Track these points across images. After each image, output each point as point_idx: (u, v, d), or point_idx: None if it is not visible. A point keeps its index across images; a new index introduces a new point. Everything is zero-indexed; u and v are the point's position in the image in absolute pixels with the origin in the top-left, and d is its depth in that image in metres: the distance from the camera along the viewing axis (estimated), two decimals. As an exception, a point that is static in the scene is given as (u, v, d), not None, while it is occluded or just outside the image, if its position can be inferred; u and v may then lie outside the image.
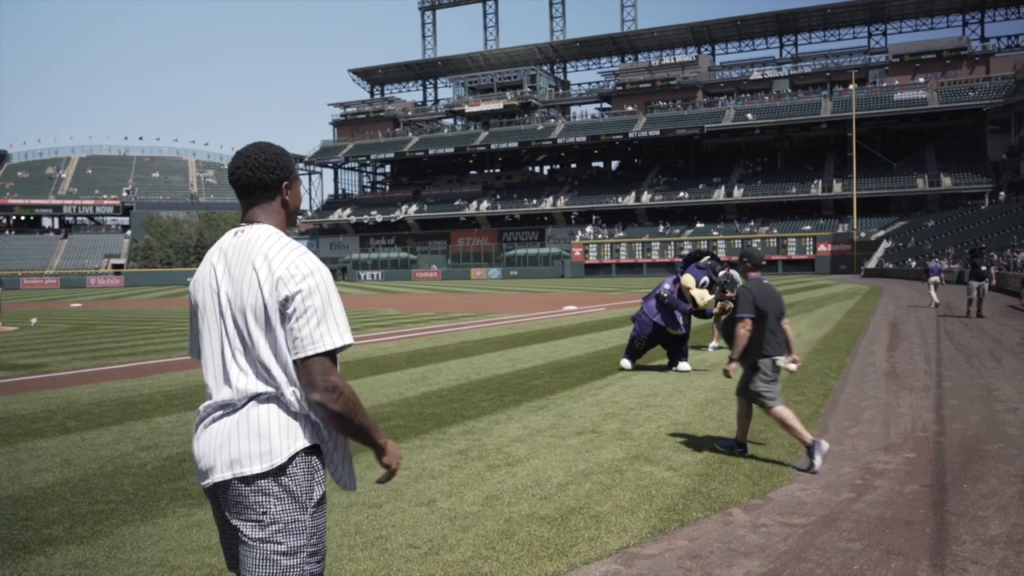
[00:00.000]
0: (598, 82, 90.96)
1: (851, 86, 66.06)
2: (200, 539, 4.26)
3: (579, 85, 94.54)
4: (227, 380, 2.18)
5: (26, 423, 7.59)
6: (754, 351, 5.85)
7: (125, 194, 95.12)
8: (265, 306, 2.12)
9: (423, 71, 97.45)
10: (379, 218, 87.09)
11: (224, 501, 2.18)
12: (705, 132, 74.77)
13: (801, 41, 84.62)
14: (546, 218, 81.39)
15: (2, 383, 10.53)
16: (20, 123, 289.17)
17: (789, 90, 77.46)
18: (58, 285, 74.06)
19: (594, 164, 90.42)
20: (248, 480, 2.11)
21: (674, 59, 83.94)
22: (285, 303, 2.11)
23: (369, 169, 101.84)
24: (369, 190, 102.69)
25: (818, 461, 5.47)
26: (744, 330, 5.80)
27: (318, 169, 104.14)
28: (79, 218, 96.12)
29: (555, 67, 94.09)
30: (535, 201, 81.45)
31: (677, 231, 70.96)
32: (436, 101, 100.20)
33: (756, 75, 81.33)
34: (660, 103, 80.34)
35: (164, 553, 4.06)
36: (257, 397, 2.14)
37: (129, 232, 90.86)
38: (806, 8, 78.39)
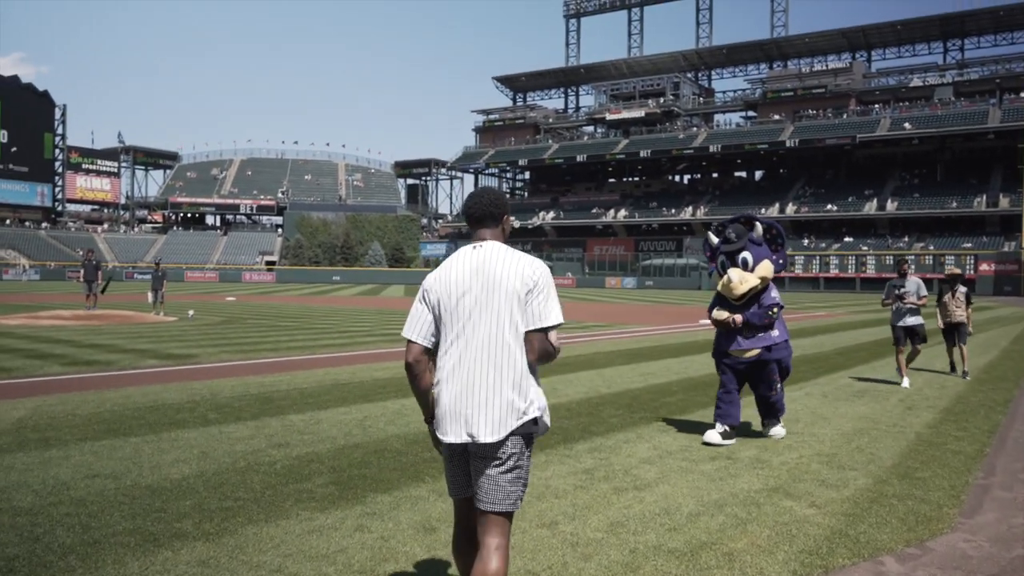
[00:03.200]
0: (744, 90, 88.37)
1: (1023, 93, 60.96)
2: (319, 546, 4.23)
3: (724, 93, 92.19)
4: (480, 353, 2.98)
5: (172, 412, 7.96)
6: None
7: (280, 195, 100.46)
8: (516, 295, 2.99)
9: (565, 78, 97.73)
10: (516, 224, 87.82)
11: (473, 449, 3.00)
12: (857, 142, 71.05)
13: (968, 46, 79.11)
14: (684, 228, 79.65)
15: (157, 372, 11.16)
16: (190, 126, 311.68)
17: (952, 98, 72.41)
18: (217, 279, 78.91)
19: (736, 174, 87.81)
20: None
21: (826, 65, 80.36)
22: (530, 292, 2.99)
23: (509, 175, 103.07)
24: (509, 196, 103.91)
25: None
26: None
27: (459, 175, 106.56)
28: (238, 216, 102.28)
29: (699, 74, 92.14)
30: (674, 211, 79.91)
31: (823, 245, 67.74)
32: (577, 108, 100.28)
33: (916, 82, 76.58)
34: (809, 111, 77.03)
35: (283, 558, 4.05)
36: (501, 365, 2.97)
37: (282, 231, 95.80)
38: (975, 11, 73.17)
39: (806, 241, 69.36)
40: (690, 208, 79.15)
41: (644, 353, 14.68)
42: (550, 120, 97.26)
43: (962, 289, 12.18)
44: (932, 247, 62.69)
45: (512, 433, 2.94)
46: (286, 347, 14.85)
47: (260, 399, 8.91)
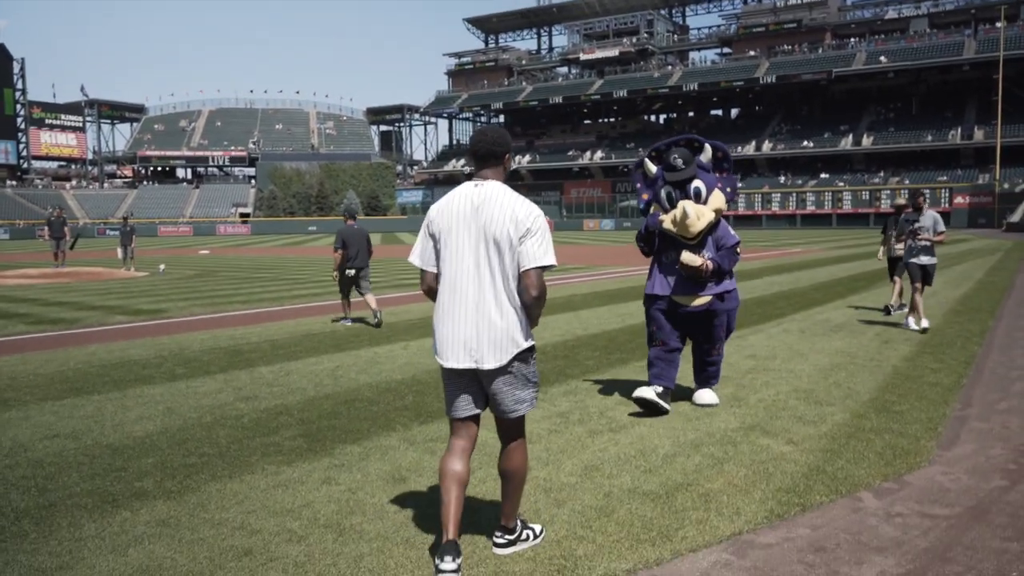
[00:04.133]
0: (719, 26, 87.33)
1: (999, 23, 60.61)
2: (284, 500, 4.10)
3: (698, 30, 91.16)
4: (478, 286, 3.25)
5: (138, 369, 7.76)
6: None
7: (251, 146, 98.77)
8: (510, 237, 3.20)
9: (538, 19, 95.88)
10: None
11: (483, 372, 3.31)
12: (833, 77, 70.53)
13: (944, -25, 78.22)
14: (661, 168, 79.30)
15: (124, 328, 10.91)
16: (156, 77, 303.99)
17: (928, 30, 71.91)
18: (191, 233, 77.84)
19: (712, 112, 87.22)
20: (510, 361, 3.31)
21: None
22: (524, 234, 3.21)
23: (483, 119, 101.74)
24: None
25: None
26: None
27: (433, 120, 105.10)
28: (210, 169, 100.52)
29: (673, 12, 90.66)
30: (650, 151, 79.44)
31: (800, 182, 67.78)
32: (551, 49, 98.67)
33: (891, 14, 75.92)
34: (785, 47, 76.23)
35: (246, 515, 3.91)
36: (498, 300, 3.25)
37: (255, 182, 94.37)
38: (952, -61, 72.25)
39: (782, 178, 69.38)
40: (666, 148, 78.64)
41: (621, 294, 14.59)
42: (523, 62, 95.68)
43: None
44: (908, 181, 62.86)
45: (513, 359, 3.29)
46: (258, 299, 14.60)
47: (229, 352, 8.72)
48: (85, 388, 6.86)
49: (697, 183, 5.89)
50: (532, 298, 3.25)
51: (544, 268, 3.25)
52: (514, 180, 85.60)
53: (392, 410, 6.02)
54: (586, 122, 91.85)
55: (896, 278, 11.56)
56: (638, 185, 6.26)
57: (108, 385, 6.99)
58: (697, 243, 5.86)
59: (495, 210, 3.24)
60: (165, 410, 6.07)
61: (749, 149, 73.56)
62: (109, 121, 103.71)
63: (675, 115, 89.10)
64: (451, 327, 3.29)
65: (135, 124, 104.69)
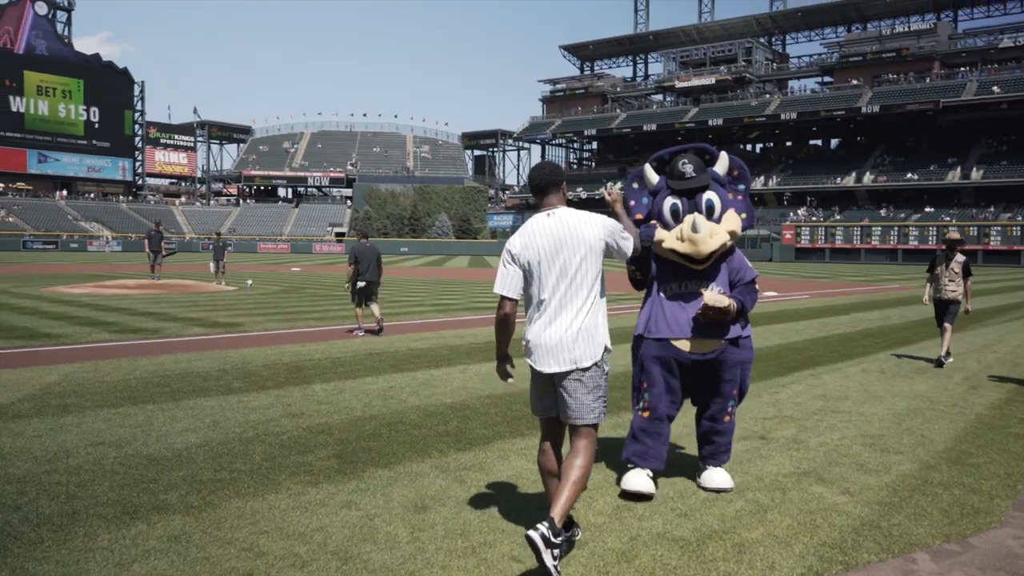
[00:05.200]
0: (820, 54, 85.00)
1: None
2: (300, 523, 4.01)
3: (799, 58, 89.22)
4: (567, 306, 3.70)
5: (198, 381, 7.90)
6: None
7: (350, 167, 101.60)
8: (597, 245, 3.75)
9: (634, 46, 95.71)
10: (584, 195, 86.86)
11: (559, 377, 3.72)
12: (941, 107, 67.59)
13: (1067, 2, 74.21)
14: (756, 198, 77.47)
15: (199, 340, 11.20)
16: (263, 101, 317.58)
17: (1048, 59, 68.21)
18: (288, 250, 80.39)
19: (811, 142, 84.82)
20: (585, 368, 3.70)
21: (908, 27, 76.60)
22: (612, 232, 3.81)
23: (576, 145, 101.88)
24: (576, 166, 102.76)
25: None
26: None
27: (526, 145, 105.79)
28: (309, 189, 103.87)
29: (773, 39, 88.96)
30: (744, 180, 77.74)
31: (902, 215, 64.98)
32: (646, 76, 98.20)
33: (1007, 43, 72.30)
34: (889, 76, 73.62)
35: (258, 535, 3.84)
36: (591, 306, 3.74)
37: (351, 203, 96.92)
38: (1076, -36, 68.49)
39: (883, 211, 66.67)
40: (761, 178, 76.88)
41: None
42: (618, 89, 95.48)
43: (959, 259, 10.16)
44: (1020, 217, 59.47)
45: (599, 360, 3.71)
46: (333, 316, 14.81)
47: (290, 368, 8.80)
48: (142, 398, 7.01)
49: (710, 195, 4.80)
50: (636, 250, 3.99)
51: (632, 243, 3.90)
52: (605, 207, 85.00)
53: (433, 435, 5.90)
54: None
55: (946, 324, 10.12)
56: (631, 203, 5.00)
57: (165, 396, 7.12)
58: (707, 271, 4.78)
59: (579, 226, 3.75)
60: (211, 423, 6.12)
61: (849, 180, 71.12)
62: (218, 141, 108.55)
63: (772, 144, 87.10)
64: (553, 336, 3.70)
65: (242, 145, 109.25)
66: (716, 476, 4.79)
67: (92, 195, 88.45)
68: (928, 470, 5.18)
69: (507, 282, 3.75)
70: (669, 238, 4.73)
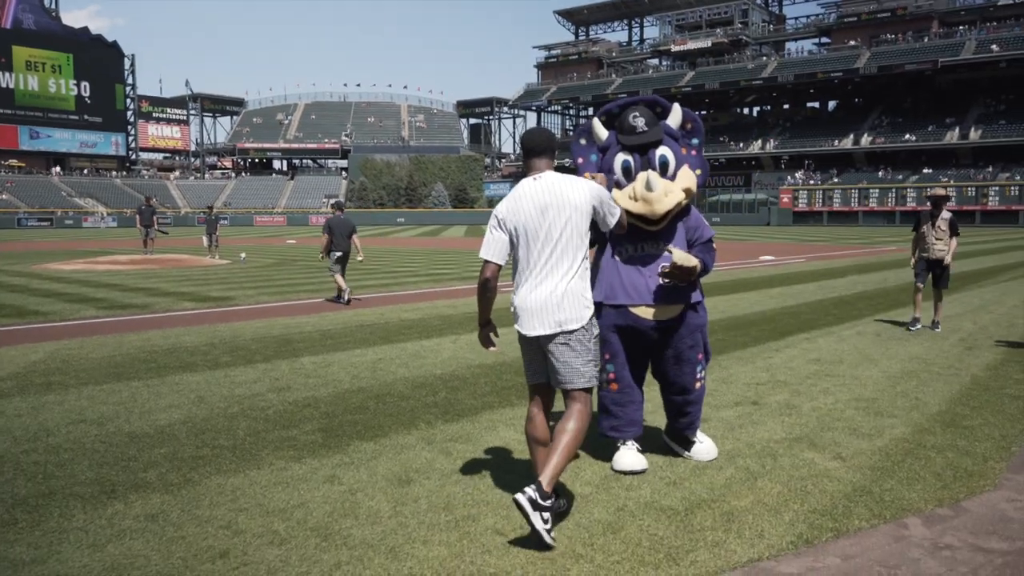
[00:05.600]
0: (817, 15, 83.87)
1: None
2: (280, 499, 3.93)
3: (796, 19, 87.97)
4: (553, 270, 3.66)
5: (185, 356, 7.80)
6: None
7: (344, 138, 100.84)
8: (585, 209, 3.70)
9: (629, 10, 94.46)
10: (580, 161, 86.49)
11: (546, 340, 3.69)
12: (939, 67, 66.80)
13: (1067, -43, 73.09)
14: (753, 162, 77.03)
15: (189, 315, 11.10)
16: (256, 72, 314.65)
17: (1048, 15, 67.36)
18: (285, 223, 79.97)
19: (809, 105, 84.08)
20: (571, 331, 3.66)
21: (907, -15, 75.60)
22: (600, 199, 3.77)
23: (572, 111, 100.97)
24: (572, 133, 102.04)
25: None
26: None
27: (522, 113, 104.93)
28: (304, 161, 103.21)
29: (769, 1, 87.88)
30: (741, 144, 77.24)
31: (900, 177, 64.61)
32: (642, 41, 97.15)
33: (1006, 0, 71.43)
34: (888, 36, 72.78)
35: (236, 512, 3.76)
36: (576, 269, 3.69)
37: (346, 174, 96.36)
38: (1076, -82, 67.41)
39: (881, 173, 66.31)
40: (759, 141, 76.38)
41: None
42: (613, 54, 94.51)
43: (945, 215, 9.57)
44: (1019, 177, 59.16)
45: (586, 323, 3.66)
46: (328, 288, 14.69)
47: (280, 341, 8.71)
48: (127, 374, 6.92)
49: (664, 150, 4.50)
50: (623, 229, 3.99)
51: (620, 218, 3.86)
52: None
53: (421, 407, 5.81)
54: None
55: (941, 289, 9.76)
56: (579, 160, 4.78)
57: (151, 371, 7.03)
58: (663, 231, 4.49)
59: (567, 191, 3.68)
60: (196, 399, 6.03)
61: (847, 143, 70.65)
62: (211, 114, 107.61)
63: (769, 107, 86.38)
64: (539, 298, 3.66)
65: (235, 117, 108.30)
66: (703, 449, 4.65)
67: (86, 171, 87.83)
68: (921, 433, 5.10)
69: (493, 247, 3.73)
70: (621, 197, 4.38)
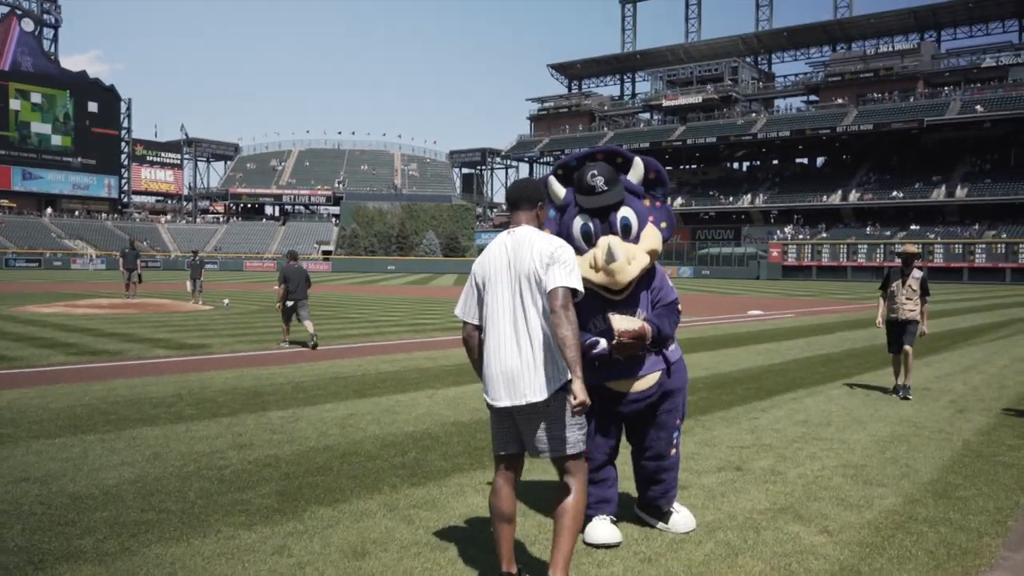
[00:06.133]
0: (806, 73, 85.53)
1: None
2: (220, 572, 3.63)
3: (784, 77, 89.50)
4: (514, 326, 3.41)
5: (148, 408, 7.49)
6: None
7: (337, 185, 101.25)
8: (537, 271, 3.37)
9: (621, 65, 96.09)
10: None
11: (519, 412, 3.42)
12: (925, 126, 67.93)
13: (1048, 23, 74.96)
14: (743, 216, 77.60)
15: (160, 363, 10.78)
16: (251, 119, 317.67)
17: (1030, 78, 68.72)
18: (275, 268, 79.71)
19: (797, 161, 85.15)
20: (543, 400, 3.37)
21: (892, 47, 77.19)
22: (549, 263, 3.35)
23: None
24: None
25: None
26: None
27: (514, 163, 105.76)
28: (296, 207, 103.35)
29: (759, 59, 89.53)
30: (731, 199, 77.92)
31: (888, 233, 65.10)
32: (634, 95, 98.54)
33: (989, 62, 72.95)
34: (874, 95, 74.09)
35: (170, 588, 3.46)
36: (532, 336, 3.39)
37: (338, 221, 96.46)
38: (1056, -15, 69.26)
39: (869, 229, 66.81)
40: (748, 196, 77.06)
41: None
42: (605, 108, 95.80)
43: (916, 275, 9.03)
44: (1005, 235, 59.65)
45: (556, 391, 3.34)
46: (303, 336, 14.39)
47: (249, 393, 8.40)
48: (84, 427, 6.61)
49: (626, 211, 4.18)
50: (557, 315, 3.26)
51: (569, 289, 3.32)
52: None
53: (388, 467, 5.52)
54: (667, 168, 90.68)
55: (907, 347, 8.92)
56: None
57: (109, 424, 6.72)
58: (628, 298, 4.19)
59: (524, 251, 3.42)
60: (152, 456, 5.72)
61: (835, 198, 71.33)
62: (205, 159, 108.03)
63: (759, 163, 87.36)
64: (497, 368, 3.42)
65: (229, 162, 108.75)
66: (680, 520, 4.35)
67: (77, 212, 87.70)
68: (913, 504, 4.84)
69: (463, 303, 3.64)
70: (581, 265, 3.95)
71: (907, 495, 5.04)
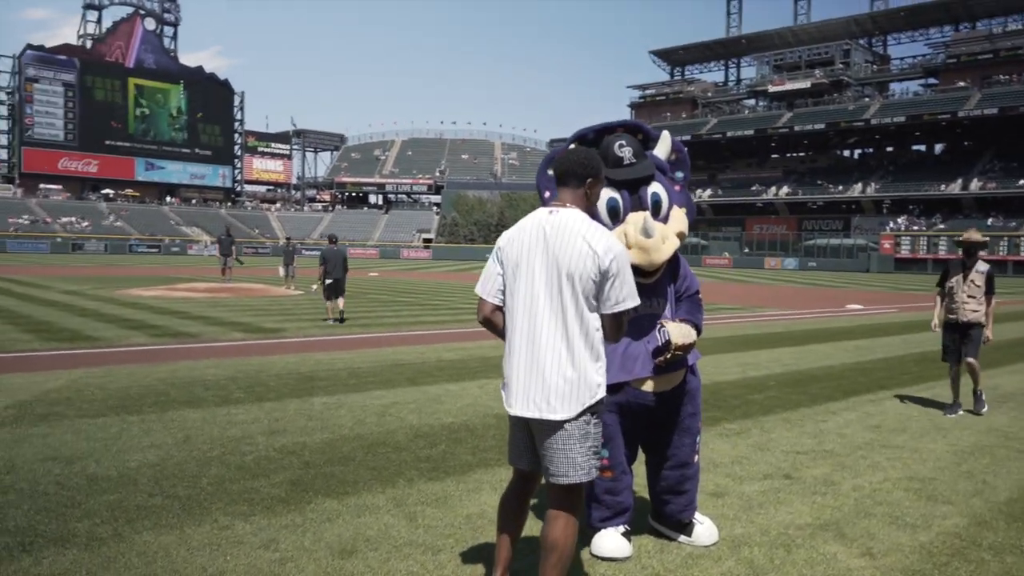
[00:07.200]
0: (924, 55, 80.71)
1: None
2: (198, 565, 3.49)
3: (901, 59, 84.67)
4: (549, 327, 2.91)
5: (199, 390, 7.55)
6: None
7: (438, 174, 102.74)
8: (586, 273, 2.87)
9: (726, 50, 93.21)
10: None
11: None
12: (1059, 109, 63.02)
13: None
14: (853, 206, 74.08)
15: (229, 345, 10.98)
16: (357, 110, 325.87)
17: None
18: (377, 256, 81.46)
19: (914, 147, 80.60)
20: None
21: (1022, 25, 71.90)
22: (604, 275, 2.87)
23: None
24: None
25: None
26: None
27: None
28: (399, 195, 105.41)
29: (873, 40, 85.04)
30: (841, 187, 74.48)
31: (1013, 224, 60.86)
32: (738, 81, 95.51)
33: None
34: (1000, 77, 69.23)
35: (142, 580, 3.34)
36: (570, 344, 2.90)
37: (439, 209, 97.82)
38: None
39: (991, 220, 62.59)
40: (859, 185, 73.50)
41: (759, 340, 13.13)
42: (709, 94, 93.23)
43: (981, 268, 7.47)
44: None
45: (586, 406, 2.90)
46: (379, 323, 14.48)
47: (302, 378, 8.39)
48: (131, 407, 6.69)
49: (656, 187, 3.87)
50: (611, 343, 3.04)
51: (624, 313, 2.94)
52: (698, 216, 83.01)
53: (411, 460, 5.32)
54: (773, 156, 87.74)
55: (970, 359, 7.48)
56: (546, 193, 3.89)
57: (155, 406, 6.78)
58: (655, 284, 3.87)
59: (569, 241, 2.90)
60: (183, 439, 5.71)
61: (955, 187, 67.15)
62: (313, 149, 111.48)
63: (871, 150, 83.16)
64: (514, 370, 2.99)
65: (335, 152, 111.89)
66: (704, 532, 3.97)
67: (194, 201, 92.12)
68: (979, 527, 4.28)
69: (485, 281, 3.12)
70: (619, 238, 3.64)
71: (975, 516, 4.47)
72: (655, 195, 3.86)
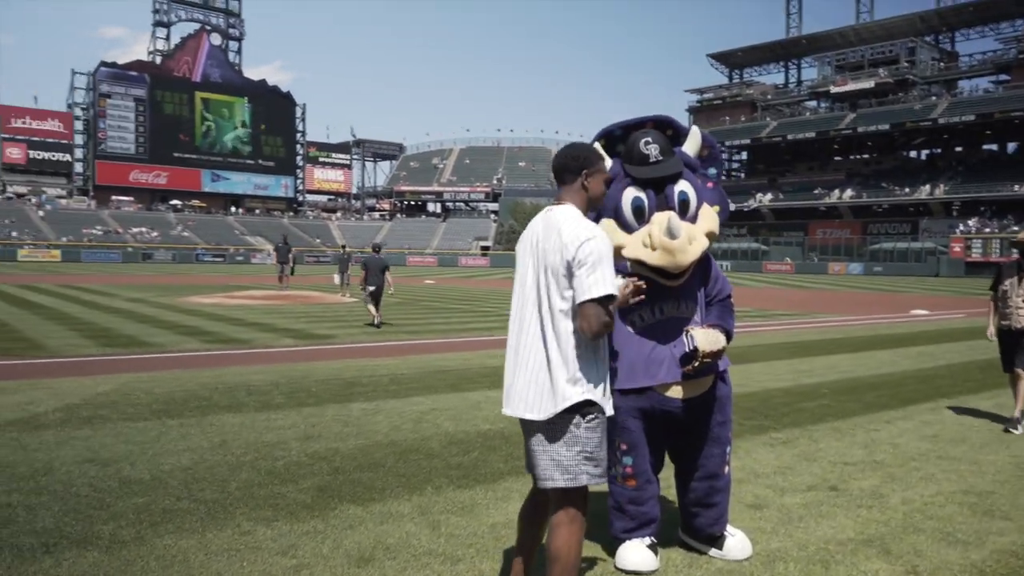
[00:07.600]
0: (995, 51, 77.89)
1: None
2: (213, 570, 3.46)
3: (970, 56, 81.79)
4: (534, 323, 2.88)
5: (242, 395, 7.61)
6: None
7: (495, 181, 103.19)
8: (560, 264, 2.80)
9: (785, 51, 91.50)
10: (732, 207, 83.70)
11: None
12: None
13: None
14: (921, 208, 71.82)
15: (279, 351, 11.09)
16: (415, 120, 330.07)
17: None
18: (436, 263, 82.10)
19: (984, 147, 77.77)
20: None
21: (1102, 17, 68.93)
22: (571, 262, 2.76)
23: (724, 156, 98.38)
24: (724, 178, 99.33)
25: None
26: None
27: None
28: (456, 203, 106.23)
29: (940, 37, 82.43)
30: (907, 190, 72.28)
31: (1094, 227, 58.22)
32: (799, 83, 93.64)
33: None
34: (1079, 71, 66.42)
35: (155, 585, 3.32)
36: (547, 340, 2.83)
37: (496, 217, 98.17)
38: None
39: (1071, 222, 59.96)
40: (927, 187, 71.22)
41: (816, 346, 12.72)
42: (768, 96, 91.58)
43: None
44: None
45: (563, 412, 2.79)
46: (428, 330, 14.49)
47: (344, 384, 8.40)
48: (173, 411, 6.77)
49: (684, 186, 3.68)
50: (589, 337, 2.79)
51: (593, 300, 2.72)
52: (754, 219, 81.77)
53: (442, 467, 5.24)
54: (835, 159, 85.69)
55: (1019, 369, 6.88)
56: None
57: (196, 410, 6.85)
58: (683, 287, 3.72)
59: (549, 236, 2.87)
60: (218, 443, 5.74)
61: (1030, 188, 64.58)
62: (372, 159, 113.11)
63: (939, 150, 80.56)
64: (507, 371, 2.99)
65: (394, 162, 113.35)
66: (735, 545, 3.78)
67: (258, 211, 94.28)
68: (1038, 545, 4.00)
69: None
70: (633, 245, 3.59)
71: (1034, 532, 4.19)
72: (682, 193, 3.69)
